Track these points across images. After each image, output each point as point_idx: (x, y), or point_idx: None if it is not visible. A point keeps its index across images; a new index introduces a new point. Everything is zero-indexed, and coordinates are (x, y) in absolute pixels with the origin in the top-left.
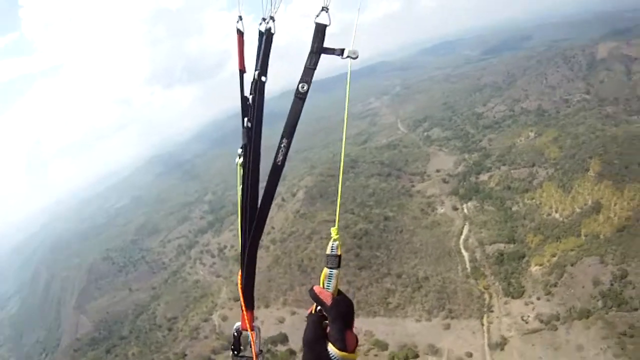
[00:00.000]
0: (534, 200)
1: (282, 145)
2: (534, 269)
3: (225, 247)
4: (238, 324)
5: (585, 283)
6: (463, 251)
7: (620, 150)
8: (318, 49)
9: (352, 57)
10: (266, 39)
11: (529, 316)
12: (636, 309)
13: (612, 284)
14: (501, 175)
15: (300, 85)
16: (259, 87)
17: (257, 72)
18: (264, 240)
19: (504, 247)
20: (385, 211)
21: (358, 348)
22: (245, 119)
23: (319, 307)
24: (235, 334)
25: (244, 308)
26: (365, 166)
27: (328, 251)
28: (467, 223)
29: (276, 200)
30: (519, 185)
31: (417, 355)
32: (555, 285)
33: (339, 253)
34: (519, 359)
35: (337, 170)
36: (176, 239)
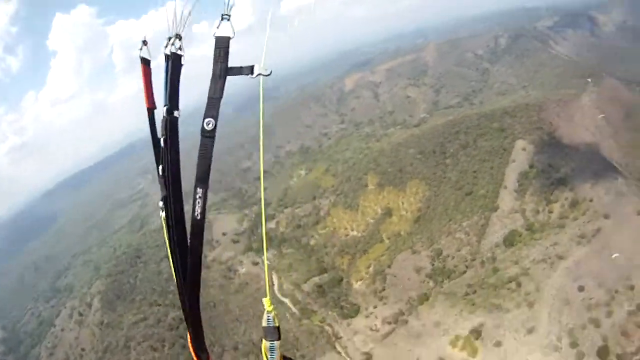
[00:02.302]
0: (327, 229)
1: (198, 197)
2: (357, 285)
3: None
4: None
5: (409, 275)
6: (283, 299)
7: (390, 159)
8: (223, 70)
9: (264, 75)
10: (173, 63)
11: (376, 325)
12: (464, 272)
13: (433, 264)
14: (287, 217)
15: (205, 122)
16: (170, 125)
17: (165, 108)
18: None
19: (319, 279)
20: None
21: None
22: (160, 167)
23: None
24: None
25: None
26: (150, 252)
27: (264, 323)
28: (273, 272)
29: (74, 317)
30: (308, 220)
31: None
32: (383, 289)
33: (276, 324)
34: None
35: (125, 265)
36: None
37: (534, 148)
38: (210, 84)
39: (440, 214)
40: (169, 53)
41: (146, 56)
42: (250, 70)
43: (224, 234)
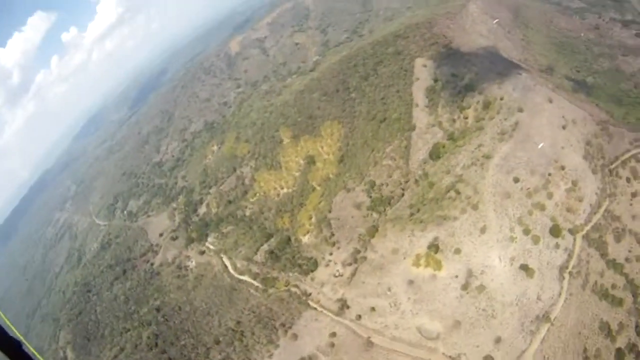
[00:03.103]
0: (257, 195)
1: None
2: (305, 239)
3: None
4: None
5: (352, 213)
6: (241, 277)
7: (297, 109)
8: None
9: None
10: None
11: (338, 270)
12: (402, 194)
13: (370, 197)
14: (215, 197)
15: None
16: None
17: None
18: None
19: (268, 246)
20: (151, 304)
21: None
22: None
23: None
24: None
25: None
26: (99, 280)
27: None
28: (222, 255)
29: None
30: (236, 192)
31: None
32: (332, 235)
33: None
34: (366, 298)
35: (80, 304)
36: None
37: (433, 63)
38: None
39: (361, 147)
40: None
41: None
42: None
43: (161, 235)
